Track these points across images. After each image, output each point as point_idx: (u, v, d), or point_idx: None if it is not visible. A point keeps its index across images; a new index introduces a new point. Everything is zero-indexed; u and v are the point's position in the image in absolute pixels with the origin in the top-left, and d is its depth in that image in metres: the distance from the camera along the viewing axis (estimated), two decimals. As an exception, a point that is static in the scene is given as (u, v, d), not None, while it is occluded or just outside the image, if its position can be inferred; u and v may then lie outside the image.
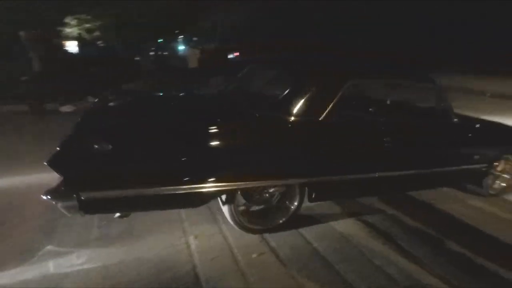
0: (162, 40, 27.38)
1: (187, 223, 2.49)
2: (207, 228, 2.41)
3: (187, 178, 1.92)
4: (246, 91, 3.05)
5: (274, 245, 2.22)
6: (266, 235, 2.31)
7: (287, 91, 2.31)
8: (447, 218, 2.69)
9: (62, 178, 1.80)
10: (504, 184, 3.05)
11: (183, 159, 1.95)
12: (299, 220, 2.44)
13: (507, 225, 2.60)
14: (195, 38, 30.67)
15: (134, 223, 2.41)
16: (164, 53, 24.59)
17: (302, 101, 2.21)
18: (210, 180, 1.96)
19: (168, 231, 2.37)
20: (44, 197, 1.78)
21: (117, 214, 2.05)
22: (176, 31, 27.57)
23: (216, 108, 2.63)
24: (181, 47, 29.76)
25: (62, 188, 1.79)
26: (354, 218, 2.60)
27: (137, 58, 12.77)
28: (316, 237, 2.32)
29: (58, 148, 1.87)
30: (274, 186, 2.25)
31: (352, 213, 2.66)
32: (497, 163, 2.95)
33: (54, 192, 1.79)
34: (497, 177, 3.01)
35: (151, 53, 24.24)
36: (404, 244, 2.26)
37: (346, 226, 2.49)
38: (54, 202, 1.79)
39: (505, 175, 3.03)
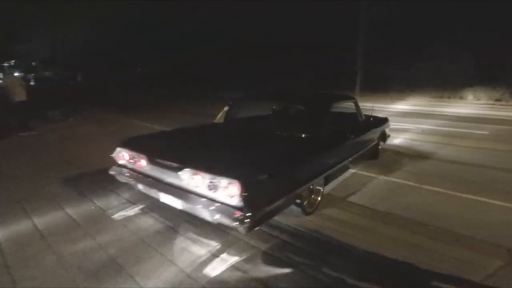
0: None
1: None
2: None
3: (304, 179, 2.87)
4: (252, 120, 4.29)
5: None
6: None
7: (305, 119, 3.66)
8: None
9: (239, 204, 2.21)
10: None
11: (300, 168, 2.87)
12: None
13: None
14: (10, 63, 31.98)
15: None
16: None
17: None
18: (310, 179, 2.96)
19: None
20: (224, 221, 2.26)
21: None
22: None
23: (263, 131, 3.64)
24: None
25: (241, 213, 2.20)
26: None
27: None
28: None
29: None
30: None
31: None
32: None
33: (232, 217, 2.20)
34: None
35: None
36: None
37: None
38: (231, 224, 2.21)
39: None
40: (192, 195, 2.49)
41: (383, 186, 4.04)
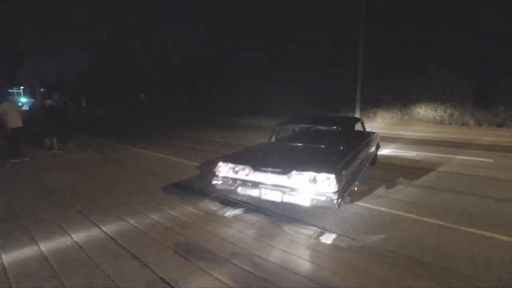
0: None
1: None
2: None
3: (352, 176, 4.04)
4: (300, 138, 5.23)
5: None
6: None
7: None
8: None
9: (334, 190, 3.30)
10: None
11: (350, 168, 3.88)
12: None
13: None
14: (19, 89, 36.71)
15: None
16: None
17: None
18: (354, 176, 4.16)
19: None
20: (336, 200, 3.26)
21: None
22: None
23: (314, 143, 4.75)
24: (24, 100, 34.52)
25: (336, 196, 3.28)
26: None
27: None
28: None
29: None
30: None
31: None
32: None
33: (330, 199, 3.28)
34: None
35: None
36: None
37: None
38: (329, 205, 3.30)
39: None
40: (292, 189, 3.49)
41: (383, 219, 3.80)
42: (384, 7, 17.02)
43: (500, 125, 14.06)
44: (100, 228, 3.61)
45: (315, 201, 3.34)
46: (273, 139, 5.18)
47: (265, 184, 3.66)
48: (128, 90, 37.28)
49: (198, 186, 5.18)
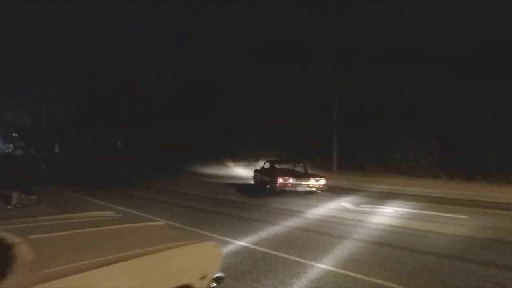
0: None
1: None
2: None
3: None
4: (283, 166, 11.71)
5: None
6: None
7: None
8: None
9: (324, 183, 9.72)
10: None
11: None
12: None
13: None
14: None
15: None
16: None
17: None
18: None
19: None
20: None
21: None
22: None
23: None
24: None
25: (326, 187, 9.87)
26: None
27: None
28: None
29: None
30: None
31: None
32: None
33: (324, 188, 9.72)
34: None
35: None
36: None
37: None
38: (322, 190, 9.72)
39: None
40: (309, 185, 9.45)
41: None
42: (355, 71, 18.39)
43: (469, 178, 14.41)
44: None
45: (314, 189, 9.44)
46: (265, 166, 11.46)
47: (299, 184, 9.28)
48: (105, 137, 36.58)
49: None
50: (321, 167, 17.70)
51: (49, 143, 43.79)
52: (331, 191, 10.29)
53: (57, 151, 43.18)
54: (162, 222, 3.71)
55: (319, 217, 7.08)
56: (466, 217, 7.26)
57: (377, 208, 8.16)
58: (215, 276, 2.03)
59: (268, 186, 9.63)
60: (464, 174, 14.72)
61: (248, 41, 25.12)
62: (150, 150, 29.68)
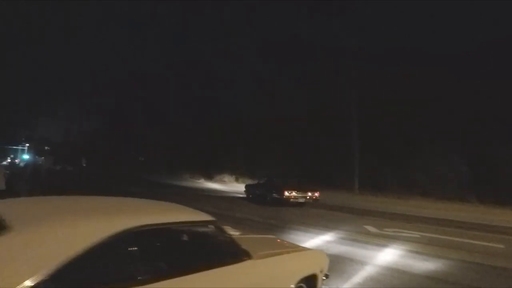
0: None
1: None
2: None
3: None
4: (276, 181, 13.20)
5: None
6: None
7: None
8: None
9: (317, 195, 12.52)
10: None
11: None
12: None
13: None
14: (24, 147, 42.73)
15: None
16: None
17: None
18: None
19: None
20: None
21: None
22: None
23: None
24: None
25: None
26: None
27: None
28: None
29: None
30: None
31: None
32: None
33: (316, 198, 12.50)
34: None
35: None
36: None
37: None
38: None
39: None
40: (305, 197, 11.98)
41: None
42: (378, 91, 18.10)
43: (501, 203, 13.45)
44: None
45: (309, 199, 12.11)
46: (260, 181, 13.69)
47: (300, 196, 11.62)
48: (128, 153, 37.81)
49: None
50: (342, 187, 17.20)
51: (76, 156, 45.72)
52: (352, 212, 9.91)
53: (84, 165, 44.82)
54: (273, 236, 4.29)
55: (339, 240, 6.77)
56: (502, 246, 6.71)
57: (402, 232, 7.73)
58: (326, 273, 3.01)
59: (268, 198, 12.15)
60: (495, 198, 13.81)
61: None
62: (170, 166, 30.35)
